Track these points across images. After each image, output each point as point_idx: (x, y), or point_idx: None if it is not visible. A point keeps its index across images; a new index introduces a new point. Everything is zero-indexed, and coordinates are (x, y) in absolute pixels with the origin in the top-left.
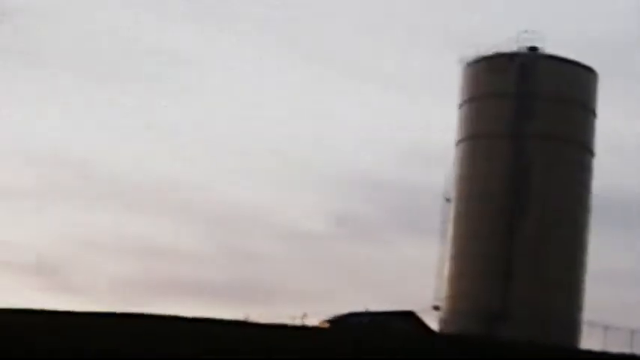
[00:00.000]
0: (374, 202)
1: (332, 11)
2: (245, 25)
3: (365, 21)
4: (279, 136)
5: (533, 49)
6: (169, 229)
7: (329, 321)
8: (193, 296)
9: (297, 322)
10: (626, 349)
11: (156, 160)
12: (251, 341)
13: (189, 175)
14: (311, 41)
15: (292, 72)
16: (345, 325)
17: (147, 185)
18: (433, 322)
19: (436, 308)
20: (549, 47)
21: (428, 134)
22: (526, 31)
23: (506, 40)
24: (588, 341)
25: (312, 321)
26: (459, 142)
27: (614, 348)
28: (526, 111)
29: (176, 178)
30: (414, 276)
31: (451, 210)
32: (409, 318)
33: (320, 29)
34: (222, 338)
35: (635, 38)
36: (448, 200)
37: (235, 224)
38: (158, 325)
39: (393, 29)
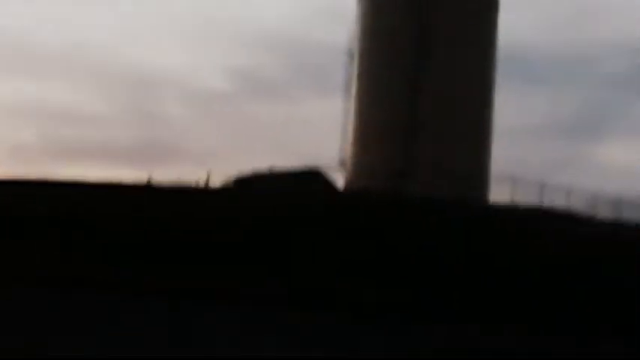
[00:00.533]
0: (278, 59)
1: None
2: None
3: None
4: None
5: None
6: (73, 92)
7: (234, 180)
8: (97, 159)
9: (201, 182)
10: (535, 201)
11: (60, 23)
12: (154, 204)
13: (93, 37)
14: None
15: None
16: (250, 183)
17: (52, 48)
18: (339, 180)
19: (341, 165)
20: None
21: None
22: None
23: None
24: (497, 196)
25: (217, 181)
26: None
27: (524, 201)
28: None
29: (80, 41)
30: (320, 133)
31: (355, 66)
32: (315, 175)
33: None
34: (125, 201)
35: None
36: (352, 57)
37: (139, 85)
38: (57, 189)
39: None
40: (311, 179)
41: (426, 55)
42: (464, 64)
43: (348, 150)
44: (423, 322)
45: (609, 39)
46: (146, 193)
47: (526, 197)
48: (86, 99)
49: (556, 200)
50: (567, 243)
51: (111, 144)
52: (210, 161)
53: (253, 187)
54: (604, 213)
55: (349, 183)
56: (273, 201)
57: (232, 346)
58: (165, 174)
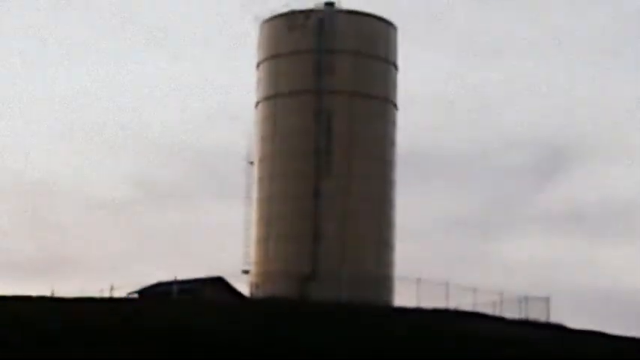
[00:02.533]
0: (175, 165)
1: None
2: None
3: None
4: (75, 103)
5: (329, 4)
6: None
7: (137, 292)
8: None
9: (105, 294)
10: (440, 304)
11: None
12: (60, 316)
13: None
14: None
15: (85, 36)
16: (154, 294)
17: None
18: (244, 287)
19: (245, 272)
20: (346, 2)
21: (228, 95)
22: None
23: None
24: (402, 297)
25: (120, 293)
26: (259, 101)
27: (429, 302)
28: (326, 67)
29: None
30: (221, 241)
31: (255, 172)
32: (218, 284)
33: None
34: (29, 314)
35: None
36: (251, 163)
37: (34, 195)
38: None
39: None
40: (214, 287)
41: (326, 157)
42: (364, 165)
43: (252, 256)
44: None
45: (509, 133)
46: (49, 304)
47: (431, 297)
48: None
49: (462, 300)
50: (475, 342)
51: (10, 256)
52: (112, 271)
53: (157, 298)
54: (511, 311)
55: (254, 289)
56: (178, 310)
57: None
58: (67, 286)
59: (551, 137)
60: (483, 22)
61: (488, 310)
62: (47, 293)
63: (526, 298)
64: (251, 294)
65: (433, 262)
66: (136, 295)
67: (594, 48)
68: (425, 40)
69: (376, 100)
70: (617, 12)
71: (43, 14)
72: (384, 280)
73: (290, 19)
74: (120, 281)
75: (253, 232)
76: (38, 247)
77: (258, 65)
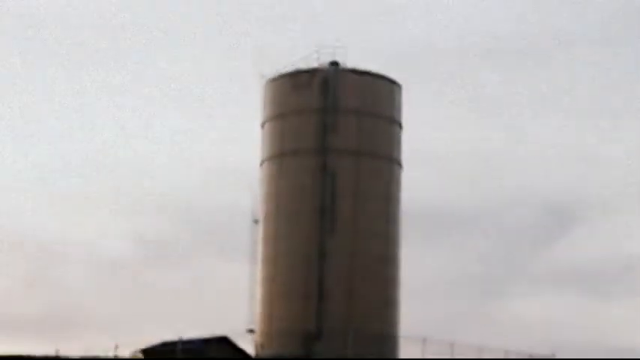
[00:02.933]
0: (180, 224)
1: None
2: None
3: (159, 36)
4: (76, 161)
5: (334, 63)
6: None
7: (142, 351)
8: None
9: (110, 354)
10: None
11: None
12: None
13: None
14: (100, 62)
15: (78, 91)
16: (158, 354)
17: None
18: (249, 346)
19: (250, 331)
20: (351, 61)
21: (232, 154)
22: (326, 46)
23: (306, 55)
24: (407, 356)
25: (125, 352)
26: (264, 160)
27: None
28: (330, 126)
29: None
30: (226, 300)
31: (260, 231)
32: (223, 343)
33: (107, 45)
34: None
35: (436, 50)
36: (256, 221)
37: (35, 255)
38: None
39: (189, 45)
40: (219, 346)
41: (331, 216)
42: (369, 223)
43: (257, 315)
44: None
45: (512, 192)
46: None
47: (437, 356)
48: None
49: (467, 357)
50: None
51: (13, 315)
52: (117, 330)
53: (161, 357)
54: None
55: (259, 349)
56: None
57: None
58: (72, 345)
59: (554, 195)
60: (487, 79)
61: None
62: (52, 352)
63: (531, 357)
64: (256, 353)
65: (438, 319)
66: (140, 355)
67: (596, 105)
68: (429, 98)
69: (381, 158)
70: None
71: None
72: (389, 338)
73: (294, 79)
74: (124, 340)
75: (258, 291)
76: (41, 306)
77: (263, 124)
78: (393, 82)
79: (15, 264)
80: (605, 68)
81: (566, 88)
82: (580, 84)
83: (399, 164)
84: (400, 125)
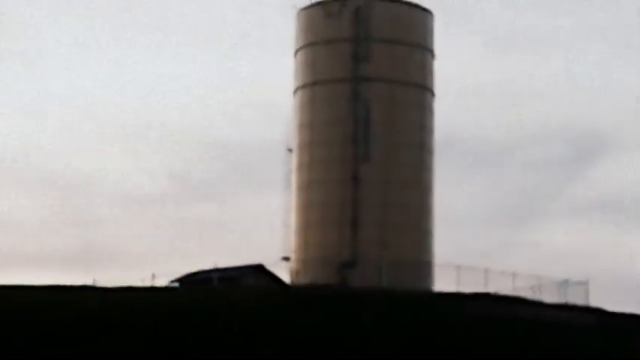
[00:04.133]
0: (212, 157)
1: None
2: None
3: None
4: (110, 99)
5: None
6: (8, 199)
7: (178, 280)
8: (38, 266)
9: (147, 283)
10: (479, 289)
11: None
12: (102, 304)
13: (22, 142)
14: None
15: (112, 33)
16: (194, 283)
17: None
18: (284, 274)
19: (285, 259)
20: None
21: (264, 84)
22: None
23: None
24: (442, 284)
25: (161, 281)
26: (297, 89)
27: (468, 288)
28: (363, 54)
29: (14, 146)
30: (261, 230)
31: (293, 159)
32: (259, 271)
33: None
34: (73, 304)
35: None
36: (290, 150)
37: (74, 190)
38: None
39: None
40: (254, 274)
41: (364, 144)
42: (402, 152)
43: (292, 244)
44: None
45: (544, 123)
46: (92, 293)
47: (471, 284)
48: (22, 205)
49: (501, 285)
50: (514, 326)
51: (49, 251)
52: (153, 262)
53: (198, 286)
54: (550, 296)
55: (295, 276)
56: (220, 297)
57: None
58: (108, 278)
59: (587, 126)
60: (519, 9)
61: (528, 295)
62: (89, 283)
63: (565, 282)
64: (291, 281)
65: (472, 248)
66: (176, 284)
67: (630, 39)
68: (461, 28)
69: (413, 87)
70: None
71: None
72: (423, 266)
73: (327, 8)
74: (160, 271)
75: (293, 219)
76: (80, 241)
77: (295, 53)
78: (425, 10)
79: (52, 198)
80: None
81: (604, 23)
82: (617, 16)
83: (432, 93)
84: (433, 54)
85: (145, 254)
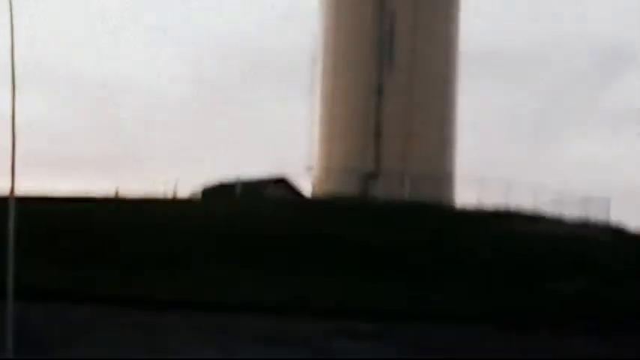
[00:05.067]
0: (238, 64)
1: None
2: None
3: None
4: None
5: None
6: (30, 103)
7: (201, 190)
8: (59, 172)
9: (169, 191)
10: (501, 202)
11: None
12: (123, 215)
13: (49, 47)
14: None
15: None
16: (217, 193)
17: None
18: (306, 185)
19: (309, 169)
20: None
21: None
22: None
23: None
24: (464, 196)
25: (184, 191)
26: None
27: (491, 201)
28: None
29: (37, 52)
30: (286, 139)
31: (318, 68)
32: (281, 183)
33: None
34: (95, 213)
35: None
36: (315, 58)
37: (95, 94)
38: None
39: None
40: (277, 186)
41: (389, 54)
42: (427, 63)
43: (315, 154)
44: (399, 320)
45: (571, 34)
46: (115, 204)
47: (493, 197)
48: (44, 110)
49: (523, 199)
50: (535, 242)
51: (74, 155)
52: (175, 169)
53: (221, 196)
54: (571, 211)
55: (317, 188)
56: (242, 209)
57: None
58: (131, 183)
59: (615, 36)
60: None
61: (549, 210)
62: (112, 191)
63: (586, 199)
64: (313, 191)
65: (495, 161)
66: (199, 195)
67: None
68: None
69: None
70: None
71: None
72: (446, 178)
73: None
74: (183, 180)
75: (317, 129)
76: (102, 144)
77: None
78: None
79: (75, 102)
80: None
81: None
82: None
83: (457, 6)
84: None
85: (170, 159)
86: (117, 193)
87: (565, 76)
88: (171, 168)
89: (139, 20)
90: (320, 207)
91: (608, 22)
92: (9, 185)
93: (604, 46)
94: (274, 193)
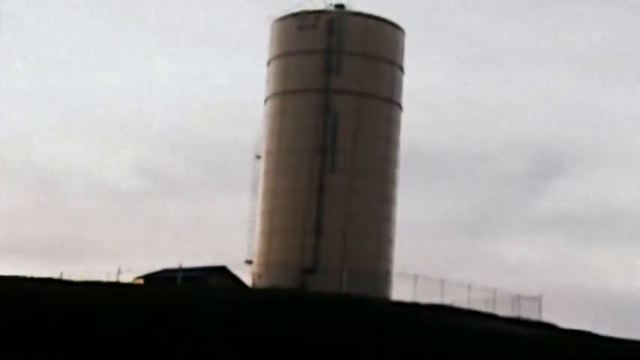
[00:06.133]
0: (184, 158)
1: None
2: None
3: None
4: (88, 94)
5: (340, 6)
6: None
7: (143, 277)
8: (5, 254)
9: (112, 278)
10: (436, 299)
11: None
12: (66, 298)
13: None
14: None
15: (99, 30)
16: (159, 280)
17: None
18: (246, 277)
19: (249, 262)
20: (356, 4)
21: (238, 91)
22: None
23: None
24: (399, 292)
25: (126, 277)
26: (269, 98)
27: (425, 298)
28: (334, 67)
29: None
30: (226, 232)
31: (261, 166)
32: (222, 273)
33: None
34: (37, 296)
35: None
36: (258, 157)
37: (46, 181)
38: None
39: None
40: (218, 275)
41: (331, 154)
42: (368, 163)
43: (255, 247)
44: None
45: (507, 139)
46: (58, 286)
47: (428, 293)
48: None
49: (457, 297)
50: (468, 338)
51: (19, 239)
52: (119, 257)
53: (162, 282)
54: (503, 309)
55: (256, 280)
56: (182, 295)
57: None
58: (75, 270)
59: (548, 142)
60: (487, 28)
61: (482, 307)
62: (56, 275)
63: (519, 297)
64: (253, 284)
65: (431, 258)
66: (141, 281)
67: (593, 58)
68: (431, 44)
69: (382, 100)
70: (615, 28)
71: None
72: (383, 274)
73: (301, 19)
74: (126, 266)
75: (258, 224)
76: (46, 231)
77: (268, 62)
78: (396, 27)
79: (21, 189)
80: (606, 21)
81: (569, 39)
82: (581, 36)
83: (400, 107)
84: (402, 69)
85: (112, 248)
86: (60, 275)
87: (501, 178)
88: (114, 255)
89: (88, 111)
90: (257, 298)
91: (544, 128)
92: None
93: (538, 151)
94: (215, 282)
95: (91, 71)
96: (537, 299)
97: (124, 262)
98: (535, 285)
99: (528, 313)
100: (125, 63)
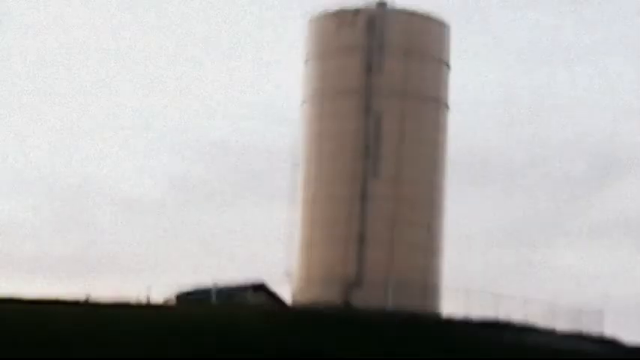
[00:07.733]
0: (217, 166)
1: None
2: None
3: None
4: (114, 102)
5: (381, 4)
6: (5, 202)
7: (176, 295)
8: (31, 273)
9: (142, 296)
10: (489, 314)
11: None
12: (94, 322)
13: (19, 147)
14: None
15: (126, 35)
16: (192, 300)
17: None
18: (285, 291)
19: (288, 276)
20: (398, 1)
21: (273, 93)
22: None
23: None
24: (449, 307)
25: (157, 296)
26: (306, 100)
27: (478, 313)
28: (375, 66)
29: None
30: (264, 243)
31: (300, 173)
32: (259, 290)
33: None
34: (63, 319)
35: None
36: (296, 164)
37: (71, 194)
38: None
39: None
40: (255, 293)
41: (374, 159)
42: (413, 168)
43: (294, 260)
44: None
45: (561, 140)
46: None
47: (481, 308)
48: (19, 209)
49: (512, 311)
50: (526, 355)
51: (46, 255)
52: (150, 272)
53: (196, 303)
54: (562, 323)
55: (297, 295)
56: (217, 318)
57: None
58: (104, 286)
59: (607, 142)
60: (540, 21)
61: (539, 322)
62: (82, 296)
63: (579, 310)
64: (293, 299)
65: (482, 270)
66: (173, 301)
67: None
68: (478, 40)
69: (427, 99)
70: None
71: None
72: (431, 288)
73: (339, 17)
74: (157, 283)
75: (297, 235)
76: (73, 247)
77: (306, 62)
78: (440, 22)
79: (47, 204)
80: None
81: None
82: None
83: (446, 106)
84: (448, 66)
85: (144, 263)
86: (87, 297)
87: (557, 183)
88: (145, 271)
89: (117, 119)
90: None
91: (601, 128)
92: None
93: (595, 153)
94: (252, 300)
95: (110, 76)
96: (599, 313)
97: (154, 278)
98: (596, 297)
99: (589, 327)
100: (151, 65)
